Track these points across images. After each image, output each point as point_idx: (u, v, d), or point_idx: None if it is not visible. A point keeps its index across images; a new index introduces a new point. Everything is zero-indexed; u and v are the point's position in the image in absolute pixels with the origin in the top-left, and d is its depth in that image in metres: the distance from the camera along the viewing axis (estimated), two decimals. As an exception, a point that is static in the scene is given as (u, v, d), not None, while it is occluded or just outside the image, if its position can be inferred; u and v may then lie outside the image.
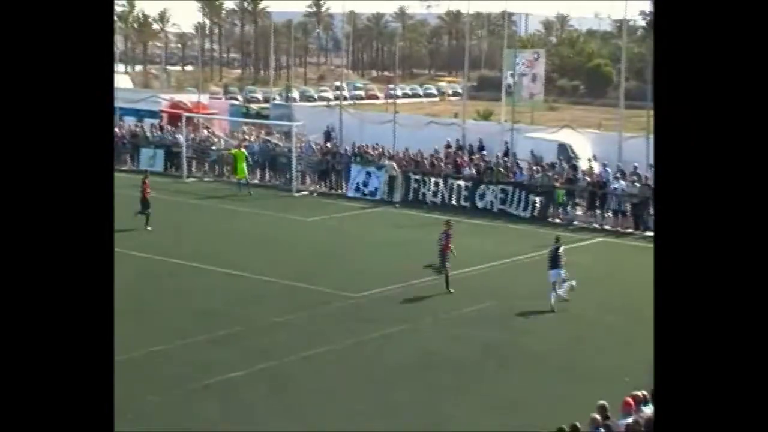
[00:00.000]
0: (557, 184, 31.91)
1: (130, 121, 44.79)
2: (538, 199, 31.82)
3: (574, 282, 21.28)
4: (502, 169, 33.62)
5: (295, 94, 76.38)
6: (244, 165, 36.17)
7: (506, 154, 35.66)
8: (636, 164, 31.69)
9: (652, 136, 33.35)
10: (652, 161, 31.73)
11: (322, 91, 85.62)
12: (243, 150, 37.03)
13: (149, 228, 28.19)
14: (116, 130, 39.22)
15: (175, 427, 14.19)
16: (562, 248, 21.43)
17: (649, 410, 11.71)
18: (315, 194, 36.69)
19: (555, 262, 21.14)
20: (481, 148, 36.89)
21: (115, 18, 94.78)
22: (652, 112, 35.54)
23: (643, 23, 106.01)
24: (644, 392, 12.24)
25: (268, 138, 40.54)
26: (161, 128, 43.08)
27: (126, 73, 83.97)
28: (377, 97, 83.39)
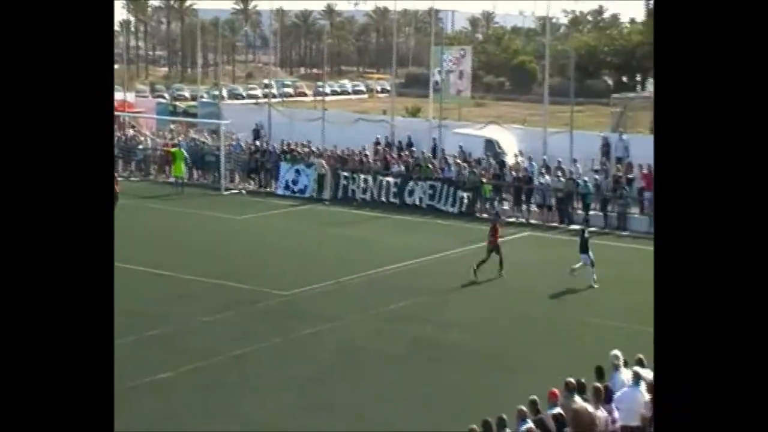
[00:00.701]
0: (484, 180, 32.31)
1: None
2: (465, 195, 32.19)
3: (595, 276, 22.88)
4: (430, 166, 33.94)
5: (223, 92, 75.74)
6: (183, 164, 36.02)
7: (434, 150, 35.98)
8: (560, 159, 32.24)
9: (575, 132, 34.07)
10: (575, 156, 32.42)
11: (250, 88, 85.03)
12: (182, 149, 36.82)
13: None
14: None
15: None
16: (587, 233, 23.60)
17: (579, 399, 11.96)
18: (244, 192, 36.54)
19: (584, 246, 22.92)
20: (410, 144, 37.12)
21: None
22: (575, 108, 36.27)
23: (565, 21, 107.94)
24: (574, 380, 12.51)
25: (195, 136, 40.22)
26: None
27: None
28: (306, 95, 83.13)
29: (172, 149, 37.11)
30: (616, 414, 12.06)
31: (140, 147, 39.76)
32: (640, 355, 13.57)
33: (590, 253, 23.01)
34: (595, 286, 22.70)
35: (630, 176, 30.98)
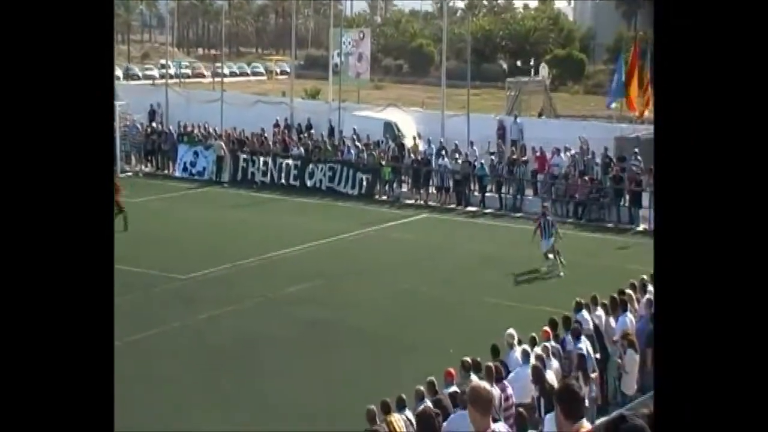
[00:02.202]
0: (383, 162, 32.53)
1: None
2: (365, 177, 32.36)
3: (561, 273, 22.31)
4: (329, 148, 33.97)
5: (118, 72, 74.02)
6: None
7: (333, 132, 36.02)
8: (457, 141, 32.67)
9: (472, 114, 34.60)
10: (472, 138, 32.89)
11: (146, 69, 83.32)
12: None
13: None
14: None
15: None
16: (549, 219, 23.12)
17: (475, 377, 12.23)
18: (141, 175, 35.94)
19: (547, 232, 22.59)
20: (309, 126, 37.08)
21: None
22: (471, 91, 36.77)
23: (462, 5, 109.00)
24: (470, 359, 12.78)
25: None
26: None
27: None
28: (204, 76, 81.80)
29: None
30: (510, 391, 12.35)
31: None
32: (534, 334, 13.98)
33: (552, 239, 22.48)
34: (562, 274, 22.16)
35: (524, 158, 31.61)
